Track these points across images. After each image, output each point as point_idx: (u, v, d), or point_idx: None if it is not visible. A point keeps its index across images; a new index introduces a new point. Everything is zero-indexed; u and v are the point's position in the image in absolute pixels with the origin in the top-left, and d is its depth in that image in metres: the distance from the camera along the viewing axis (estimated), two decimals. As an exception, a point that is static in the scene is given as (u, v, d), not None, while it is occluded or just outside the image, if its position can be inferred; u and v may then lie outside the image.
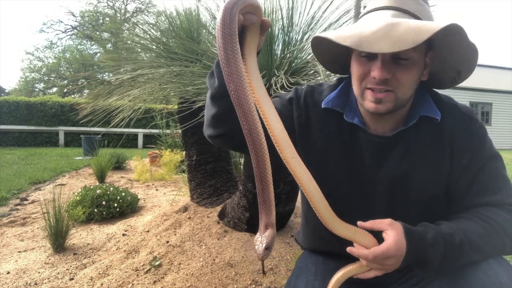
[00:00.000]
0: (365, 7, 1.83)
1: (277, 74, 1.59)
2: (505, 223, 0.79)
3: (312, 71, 1.76)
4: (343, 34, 0.75)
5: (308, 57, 1.84)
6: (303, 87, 0.98)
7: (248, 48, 0.69)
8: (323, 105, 0.91)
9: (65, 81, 25.33)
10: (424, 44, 0.75)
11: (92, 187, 3.08)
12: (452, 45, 0.79)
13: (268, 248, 0.64)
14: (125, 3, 25.92)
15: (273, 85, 1.49)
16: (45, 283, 1.77)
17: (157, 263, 1.75)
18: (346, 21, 1.83)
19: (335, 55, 0.91)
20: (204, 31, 2.39)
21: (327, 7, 1.82)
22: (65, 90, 23.54)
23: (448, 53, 0.82)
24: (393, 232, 0.74)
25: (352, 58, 0.84)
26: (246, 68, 0.68)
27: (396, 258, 0.74)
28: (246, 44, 0.69)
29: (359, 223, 0.77)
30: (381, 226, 0.76)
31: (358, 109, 0.90)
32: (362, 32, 0.72)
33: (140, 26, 2.98)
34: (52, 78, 25.85)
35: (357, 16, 1.86)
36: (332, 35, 0.77)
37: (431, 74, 0.87)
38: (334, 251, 0.98)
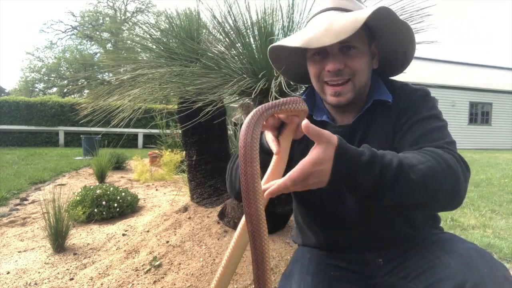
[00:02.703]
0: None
1: (275, 75, 1.59)
2: (444, 154, 0.77)
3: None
4: (294, 38, 0.86)
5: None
6: None
7: (284, 138, 0.73)
8: None
9: (65, 81, 25.36)
10: (365, 34, 0.87)
11: (92, 187, 3.08)
12: (390, 29, 0.87)
13: None
14: (125, 3, 25.96)
15: (273, 89, 1.48)
16: (45, 283, 1.77)
17: (157, 263, 1.75)
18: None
19: (295, 66, 1.01)
20: (204, 31, 2.39)
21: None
22: (65, 90, 23.55)
23: (391, 39, 0.90)
24: (318, 149, 0.66)
25: (308, 61, 0.94)
26: (278, 151, 0.71)
27: (317, 175, 0.66)
28: (284, 135, 0.73)
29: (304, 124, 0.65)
30: (318, 138, 0.66)
31: (325, 107, 0.99)
32: (309, 33, 0.83)
33: (140, 26, 2.98)
34: (52, 78, 25.88)
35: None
36: (284, 41, 0.87)
37: (385, 62, 0.97)
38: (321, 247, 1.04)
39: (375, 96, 0.93)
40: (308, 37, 0.81)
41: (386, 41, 0.92)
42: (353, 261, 0.97)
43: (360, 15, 0.78)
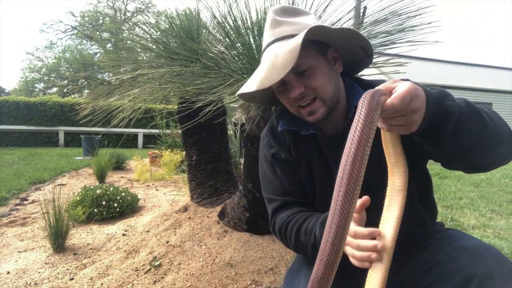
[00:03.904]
0: (365, 7, 1.82)
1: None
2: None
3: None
4: (251, 82, 0.91)
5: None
6: (264, 135, 1.09)
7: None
8: (279, 128, 1.01)
9: (65, 81, 25.34)
10: (315, 48, 0.88)
11: (92, 187, 3.08)
12: (333, 36, 0.89)
13: None
14: (125, 3, 25.95)
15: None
16: (45, 283, 1.77)
17: (157, 263, 1.75)
18: (347, 21, 1.83)
19: (266, 96, 1.02)
20: (204, 31, 2.39)
21: (326, 6, 1.82)
22: (65, 90, 23.57)
23: (339, 41, 0.91)
24: (402, 81, 0.68)
25: (276, 94, 0.97)
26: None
27: (420, 100, 0.66)
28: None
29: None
30: (388, 86, 0.68)
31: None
32: (260, 74, 0.88)
33: (140, 26, 2.98)
34: (52, 78, 25.86)
35: (357, 16, 1.86)
36: (245, 88, 0.92)
37: (352, 61, 0.98)
38: None
39: (355, 102, 0.92)
40: (260, 79, 0.86)
41: (337, 43, 0.93)
42: None
43: (294, 44, 0.81)
